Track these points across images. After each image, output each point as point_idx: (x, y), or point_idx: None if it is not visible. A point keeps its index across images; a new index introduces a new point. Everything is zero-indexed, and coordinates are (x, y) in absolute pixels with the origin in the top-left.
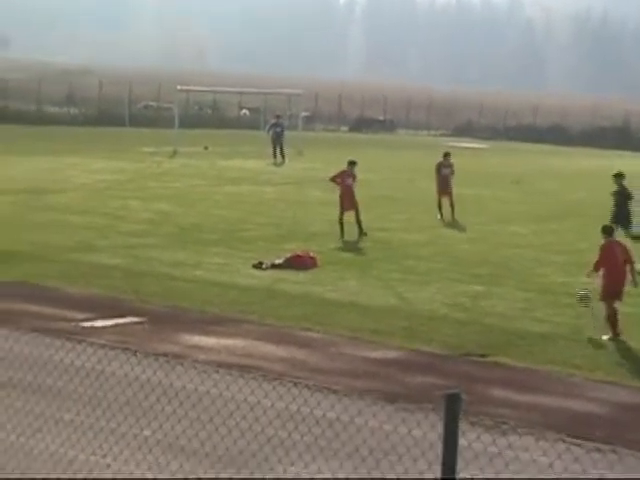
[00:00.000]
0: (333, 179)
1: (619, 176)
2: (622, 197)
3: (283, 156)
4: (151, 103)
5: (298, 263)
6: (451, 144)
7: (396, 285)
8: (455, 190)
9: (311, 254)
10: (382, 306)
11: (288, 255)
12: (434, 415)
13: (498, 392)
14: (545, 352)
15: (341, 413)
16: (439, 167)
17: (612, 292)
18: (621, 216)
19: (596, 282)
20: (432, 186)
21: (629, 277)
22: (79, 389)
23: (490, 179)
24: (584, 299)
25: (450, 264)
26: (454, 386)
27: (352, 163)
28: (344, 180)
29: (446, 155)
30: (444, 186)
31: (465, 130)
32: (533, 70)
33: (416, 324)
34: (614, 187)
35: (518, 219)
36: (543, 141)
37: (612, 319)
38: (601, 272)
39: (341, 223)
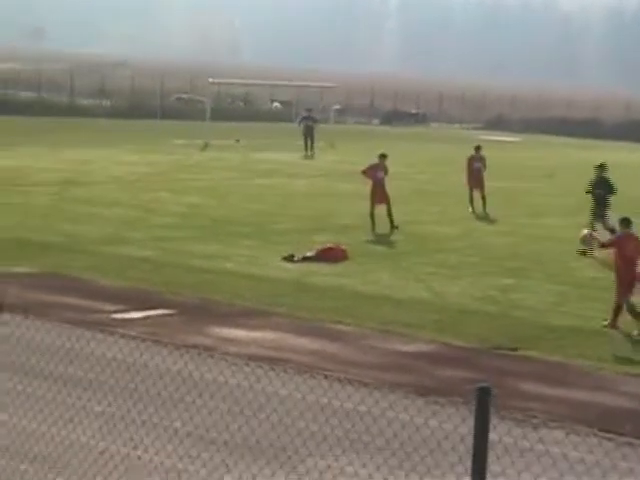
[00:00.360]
0: (364, 172)
1: (601, 167)
2: (603, 188)
3: (312, 148)
4: (183, 95)
5: (329, 256)
6: (483, 137)
7: (427, 278)
8: (487, 183)
9: (342, 247)
10: (413, 299)
11: (319, 248)
12: (465, 409)
13: (529, 386)
14: (576, 346)
15: (372, 406)
16: (470, 160)
17: (625, 284)
18: (601, 208)
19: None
20: (463, 179)
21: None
22: (110, 381)
23: (522, 172)
24: (587, 240)
25: (481, 257)
26: (485, 379)
27: (383, 156)
28: (375, 173)
29: (477, 149)
30: (476, 179)
31: (497, 123)
32: (567, 63)
33: (447, 317)
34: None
35: (550, 212)
36: (576, 134)
37: (633, 311)
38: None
39: (372, 216)
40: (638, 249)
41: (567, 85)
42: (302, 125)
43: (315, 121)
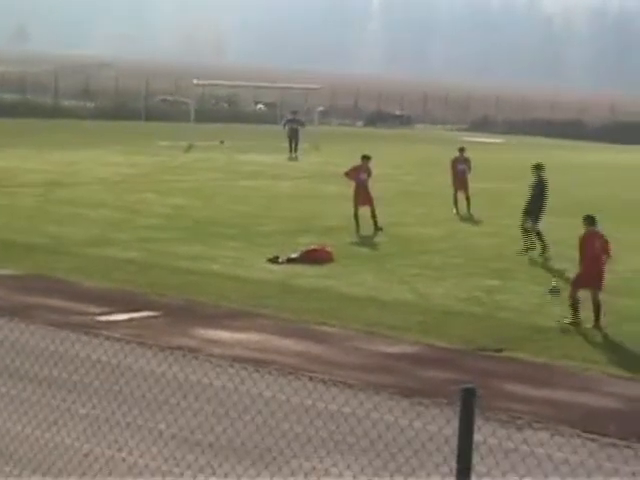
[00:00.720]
0: (347, 174)
1: (538, 167)
2: (540, 189)
3: (297, 150)
4: (167, 97)
5: (314, 257)
6: (467, 139)
7: (412, 280)
8: (471, 184)
9: (327, 248)
10: (398, 301)
11: (304, 249)
12: (449, 410)
13: (513, 387)
14: (561, 347)
15: (356, 408)
16: (454, 162)
17: (587, 281)
18: (534, 208)
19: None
20: (448, 180)
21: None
22: (95, 383)
23: (506, 173)
24: (554, 292)
25: (466, 258)
26: (469, 381)
27: (366, 158)
28: (358, 175)
29: (461, 150)
30: (460, 181)
31: (482, 125)
32: (551, 65)
33: (431, 319)
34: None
35: None
36: (561, 136)
37: (575, 303)
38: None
39: (356, 218)
40: (604, 246)
41: (551, 87)
42: (287, 127)
43: (300, 124)
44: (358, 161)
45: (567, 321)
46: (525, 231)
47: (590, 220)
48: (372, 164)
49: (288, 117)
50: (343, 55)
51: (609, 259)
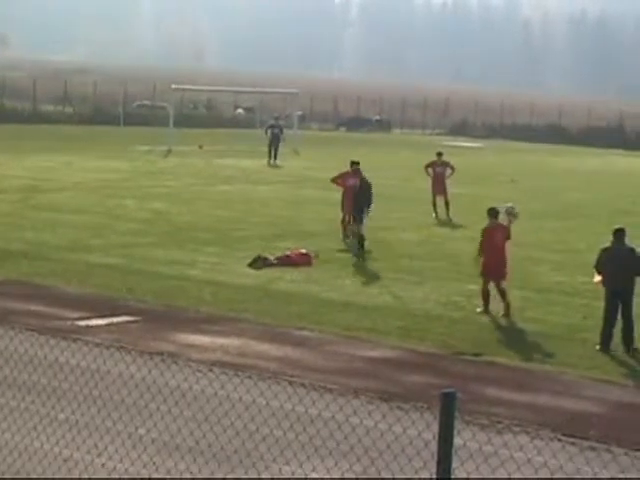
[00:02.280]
0: (334, 180)
1: (356, 165)
2: (363, 190)
3: (276, 157)
4: (145, 102)
5: (293, 260)
6: (447, 143)
7: (391, 284)
8: (450, 189)
9: (310, 253)
10: (377, 305)
11: (285, 253)
12: (429, 414)
13: (493, 391)
14: (540, 351)
15: (336, 412)
16: (432, 166)
17: (489, 271)
18: (358, 209)
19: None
20: (428, 185)
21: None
22: (74, 388)
23: (486, 178)
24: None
25: (445, 263)
26: (449, 385)
27: (355, 163)
28: (345, 181)
29: (439, 154)
30: (439, 185)
31: (461, 129)
32: (529, 70)
33: (411, 323)
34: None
35: None
36: (540, 140)
37: (484, 295)
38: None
39: (343, 224)
40: (504, 236)
41: (530, 91)
42: (269, 133)
43: (282, 130)
44: (339, 165)
45: (479, 310)
46: (353, 235)
47: (493, 212)
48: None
49: (270, 122)
50: (322, 60)
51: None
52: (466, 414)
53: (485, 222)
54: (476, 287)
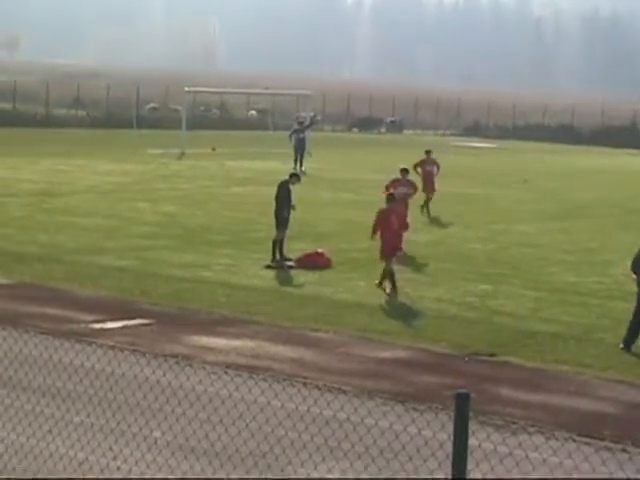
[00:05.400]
0: (387, 190)
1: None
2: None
3: (302, 164)
4: (155, 105)
5: (311, 262)
6: (459, 144)
7: (405, 285)
8: (454, 190)
9: (325, 254)
10: (391, 306)
11: (300, 255)
12: (444, 415)
13: (507, 391)
14: (555, 351)
15: (351, 413)
16: (422, 165)
17: (387, 253)
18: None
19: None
20: (440, 185)
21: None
22: (89, 391)
23: (499, 178)
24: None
25: (459, 264)
26: (463, 386)
27: (404, 171)
28: (396, 189)
29: (428, 152)
30: (430, 184)
31: (474, 130)
32: (541, 69)
33: (425, 324)
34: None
35: (527, 218)
36: (552, 140)
37: (391, 277)
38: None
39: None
40: (402, 220)
41: (542, 92)
42: (294, 138)
43: (307, 127)
44: (352, 167)
45: (387, 290)
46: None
47: (390, 198)
48: (368, 169)
49: (294, 127)
50: (333, 60)
51: (406, 230)
52: (481, 415)
53: (499, 223)
54: (489, 287)
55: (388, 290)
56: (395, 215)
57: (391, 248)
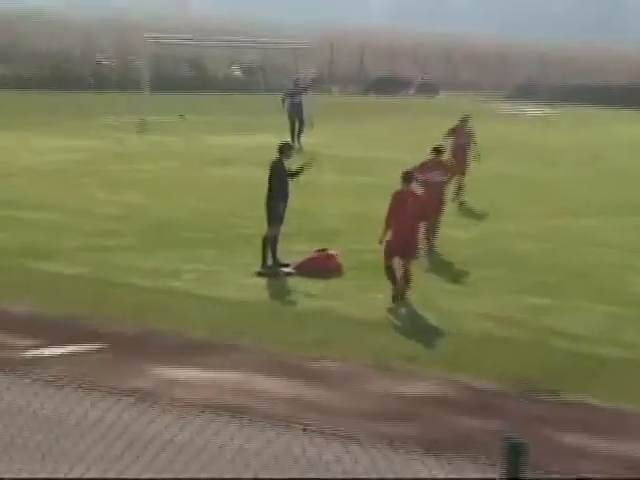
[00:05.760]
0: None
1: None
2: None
3: (299, 135)
4: (108, 59)
5: (317, 268)
6: (506, 110)
7: (435, 297)
8: (490, 169)
9: (336, 257)
10: (418, 325)
11: (302, 260)
12: (489, 469)
13: (572, 439)
14: (635, 386)
15: (368, 467)
16: (454, 135)
17: (393, 249)
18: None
19: None
20: (481, 167)
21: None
22: (16, 440)
23: (559, 156)
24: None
25: (507, 269)
26: (514, 431)
27: (438, 151)
28: (426, 175)
29: (464, 120)
30: (461, 161)
31: (523, 92)
32: (608, 14)
33: (463, 349)
34: None
35: (596, 209)
36: (623, 105)
37: (391, 274)
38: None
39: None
40: (419, 209)
41: (610, 43)
42: (287, 103)
43: (303, 91)
44: (366, 142)
45: (402, 297)
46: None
47: (406, 176)
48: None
49: (289, 88)
50: (341, 1)
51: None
52: (539, 469)
53: (559, 216)
54: (547, 300)
55: (400, 295)
56: (413, 199)
57: (400, 243)
